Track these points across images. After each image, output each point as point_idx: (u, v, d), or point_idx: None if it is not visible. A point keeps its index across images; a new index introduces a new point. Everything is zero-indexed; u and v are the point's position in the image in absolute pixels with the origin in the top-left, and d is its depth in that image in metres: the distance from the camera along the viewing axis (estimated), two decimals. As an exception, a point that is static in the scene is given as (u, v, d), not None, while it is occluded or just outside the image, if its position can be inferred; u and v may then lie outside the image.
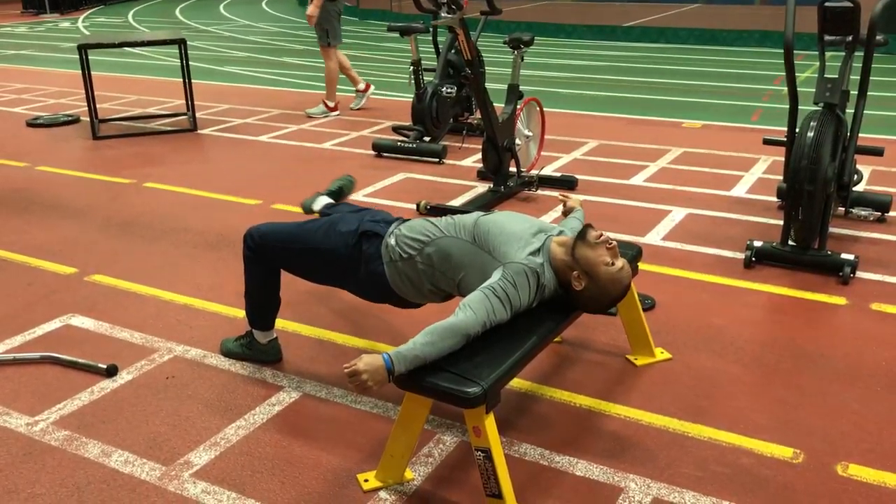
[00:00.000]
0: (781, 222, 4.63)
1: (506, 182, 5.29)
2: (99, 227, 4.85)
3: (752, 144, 6.70)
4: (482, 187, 5.55)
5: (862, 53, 4.04)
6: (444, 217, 2.84)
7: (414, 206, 5.11)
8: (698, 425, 2.83)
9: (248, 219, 4.94)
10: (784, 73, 4.05)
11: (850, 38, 3.99)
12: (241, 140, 7.07)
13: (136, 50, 12.93)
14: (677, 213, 5.01)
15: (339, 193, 3.67)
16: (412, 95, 6.50)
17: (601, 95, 9.08)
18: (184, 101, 7.69)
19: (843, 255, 4.00)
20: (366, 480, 2.53)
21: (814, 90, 4.02)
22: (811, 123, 3.88)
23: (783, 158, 5.72)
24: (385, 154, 6.45)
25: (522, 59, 5.34)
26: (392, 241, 2.79)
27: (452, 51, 6.66)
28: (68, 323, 3.61)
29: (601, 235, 2.59)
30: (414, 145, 6.30)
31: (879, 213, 4.73)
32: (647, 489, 2.50)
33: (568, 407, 2.95)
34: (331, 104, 7.95)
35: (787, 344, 3.40)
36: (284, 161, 6.37)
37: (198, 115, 7.62)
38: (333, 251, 2.86)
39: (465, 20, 4.71)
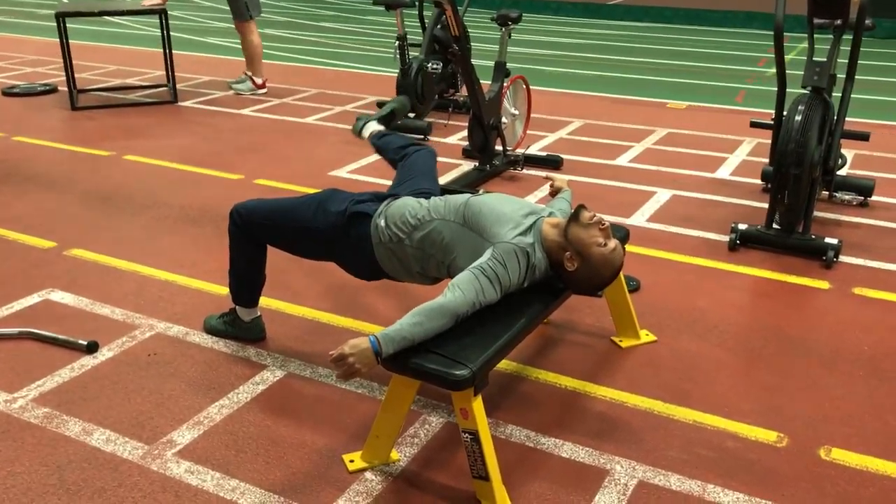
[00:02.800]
0: (766, 205, 4.64)
1: (491, 161, 5.25)
2: (78, 200, 4.77)
3: (736, 126, 6.70)
4: (467, 165, 5.51)
5: (850, 37, 4.03)
6: (432, 198, 2.81)
7: (398, 184, 5.05)
8: (683, 408, 2.84)
9: (231, 194, 4.89)
10: (769, 55, 4.03)
11: (840, 21, 3.98)
12: (222, 113, 6.97)
13: (115, 19, 12.69)
14: (662, 195, 5.01)
15: (391, 117, 3.63)
16: (396, 71, 6.43)
17: (586, 74, 9.05)
18: (164, 73, 7.56)
19: (827, 240, 4.02)
20: (351, 461, 2.51)
21: (799, 73, 4.02)
22: (799, 107, 3.88)
23: (769, 141, 5.74)
24: (369, 130, 6.38)
25: (510, 37, 5.28)
26: (381, 222, 2.75)
27: (438, 26, 6.58)
28: (47, 298, 3.55)
29: (594, 216, 2.57)
30: (398, 122, 6.22)
31: (862, 198, 4.76)
32: (633, 472, 2.50)
33: (553, 388, 2.95)
34: (259, 80, 7.65)
35: (771, 328, 3.42)
36: (266, 135, 6.29)
37: (178, 86, 7.49)
38: (321, 230, 2.82)
39: (453, -5, 4.65)
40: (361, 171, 5.44)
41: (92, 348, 3.10)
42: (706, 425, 2.74)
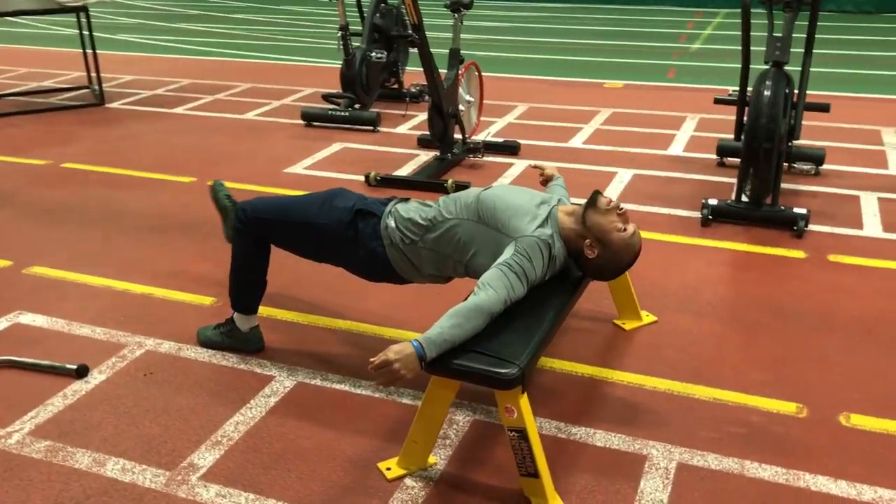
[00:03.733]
0: (725, 179, 4.76)
1: (451, 149, 5.20)
2: (24, 215, 4.47)
3: (675, 102, 6.84)
4: (425, 155, 5.44)
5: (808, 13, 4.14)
6: (441, 197, 2.74)
7: (362, 178, 4.95)
8: (700, 386, 2.86)
9: (187, 198, 4.69)
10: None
11: (797, -4, 4.08)
12: (155, 113, 6.68)
13: (18, 18, 11.99)
14: (624, 174, 5.05)
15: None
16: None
17: (519, 58, 9.06)
18: (83, 73, 7.18)
19: (796, 210, 4.13)
20: (388, 469, 2.43)
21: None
22: (766, 82, 3.96)
23: (713, 116, 5.88)
24: (315, 123, 6.23)
25: (462, 23, 5.22)
26: (391, 223, 2.67)
27: (378, 14, 6.46)
28: (17, 322, 3.31)
29: (611, 201, 2.56)
30: (346, 113, 6.10)
31: (816, 167, 4.92)
32: (670, 455, 2.51)
33: (571, 377, 2.93)
34: None
35: (761, 299, 3.49)
36: (208, 134, 6.05)
37: (103, 87, 7.13)
38: (329, 227, 2.73)
39: (411, -17, 4.56)
40: (318, 166, 5.30)
41: (82, 372, 2.91)
42: (727, 402, 2.77)
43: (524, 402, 2.24)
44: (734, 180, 4.86)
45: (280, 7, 13.51)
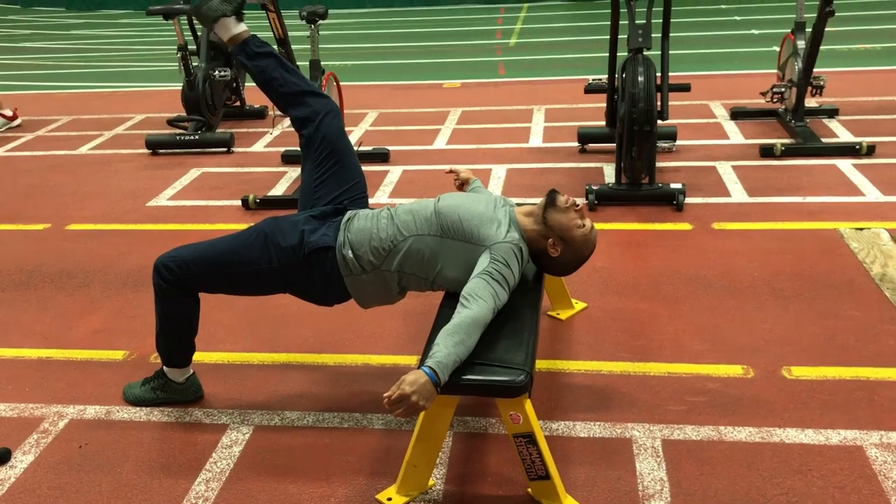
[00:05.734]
0: (592, 164, 4.97)
1: (324, 163, 5.05)
2: None
3: (516, 96, 7.05)
4: (293, 171, 5.26)
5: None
6: (395, 213, 2.62)
7: (237, 202, 4.70)
8: (650, 363, 2.97)
9: (47, 247, 4.25)
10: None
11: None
12: (-30, 158, 5.98)
13: None
14: (498, 170, 5.15)
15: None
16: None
17: (351, 65, 8.97)
18: None
19: (673, 185, 4.39)
20: (389, 499, 2.33)
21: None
22: (639, 69, 4.17)
23: (556, 107, 6.12)
24: (161, 151, 5.85)
25: (318, 33, 5.09)
26: (349, 254, 2.53)
27: (212, 32, 6.15)
28: None
29: (568, 199, 2.59)
30: (197, 137, 5.77)
31: (673, 143, 5.25)
32: (651, 434, 2.58)
33: (530, 374, 2.94)
34: (8, 113, 6.72)
35: (669, 272, 3.67)
36: (46, 174, 5.51)
37: None
38: (277, 268, 2.55)
39: (275, -3, 4.38)
40: (182, 195, 4.97)
41: (4, 457, 2.55)
42: (680, 374, 2.90)
43: (529, 406, 2.22)
44: (600, 165, 5.11)
45: (70, 32, 12.55)
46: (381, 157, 5.37)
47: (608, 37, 4.72)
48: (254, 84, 2.89)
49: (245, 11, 2.82)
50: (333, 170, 2.80)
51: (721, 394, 2.77)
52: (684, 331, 3.18)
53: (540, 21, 11.34)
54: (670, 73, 4.46)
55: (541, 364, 2.99)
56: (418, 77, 8.17)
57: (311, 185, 2.80)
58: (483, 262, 2.41)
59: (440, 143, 5.82)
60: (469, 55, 9.27)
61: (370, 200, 2.91)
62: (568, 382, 2.89)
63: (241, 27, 2.77)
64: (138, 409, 2.81)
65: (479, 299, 2.29)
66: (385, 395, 2.07)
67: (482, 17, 12.08)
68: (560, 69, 8.07)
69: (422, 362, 2.15)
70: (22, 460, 2.57)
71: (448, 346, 2.15)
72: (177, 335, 2.71)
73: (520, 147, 5.62)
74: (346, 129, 6.10)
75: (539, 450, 2.23)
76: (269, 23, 4.46)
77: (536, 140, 5.77)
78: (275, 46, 4.58)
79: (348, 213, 2.68)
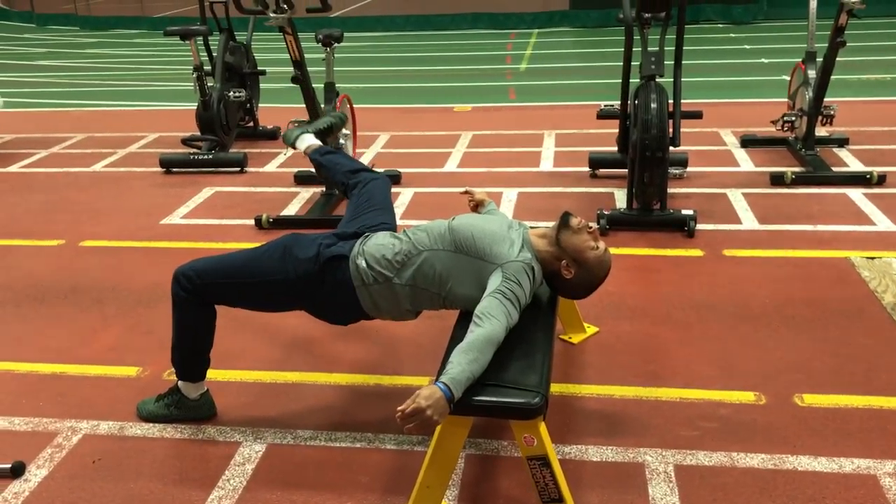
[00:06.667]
0: (603, 189, 4.99)
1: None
2: None
3: (526, 121, 7.09)
4: (305, 192, 5.30)
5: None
6: (407, 230, 2.68)
7: (250, 222, 4.74)
8: (662, 388, 2.98)
9: (62, 263, 4.28)
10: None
11: (664, 14, 4.38)
12: (-15, 173, 6.04)
13: None
14: (509, 193, 5.18)
15: (327, 132, 3.40)
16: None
17: (362, 87, 9.05)
18: None
19: (684, 211, 4.41)
20: (402, 519, 2.34)
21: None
22: (651, 95, 4.21)
23: (567, 131, 6.16)
24: (175, 170, 5.90)
25: (334, 56, 5.15)
26: (362, 263, 2.57)
27: (227, 52, 6.23)
28: (-90, 425, 2.87)
29: (581, 221, 2.61)
30: (210, 156, 5.82)
31: (684, 170, 5.27)
32: (664, 459, 2.59)
33: (542, 397, 2.95)
34: None
35: (680, 298, 3.68)
36: (60, 191, 5.55)
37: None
38: (294, 280, 2.58)
39: (293, 20, 4.44)
40: (196, 213, 5.01)
41: (18, 471, 2.56)
42: (692, 399, 2.90)
43: (543, 429, 2.23)
44: (611, 190, 5.14)
45: (83, 51, 12.68)
46: (393, 179, 5.40)
47: (616, 63, 4.76)
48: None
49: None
50: (368, 213, 2.87)
51: (733, 420, 2.78)
52: (696, 356, 3.19)
53: (549, 47, 11.43)
54: (682, 101, 4.49)
55: (553, 388, 2.99)
56: (429, 101, 8.24)
57: (345, 221, 2.87)
58: (495, 280, 2.43)
59: (451, 165, 5.86)
60: (480, 79, 9.34)
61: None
62: (580, 406, 2.89)
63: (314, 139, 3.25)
64: (152, 424, 2.82)
65: (492, 318, 2.31)
66: (399, 408, 2.09)
67: (493, 41, 12.17)
68: (569, 94, 8.13)
69: (436, 379, 2.17)
70: (36, 474, 2.58)
71: (462, 364, 2.16)
72: (192, 347, 2.73)
73: (531, 171, 5.66)
74: (359, 150, 6.19)
75: (553, 472, 2.24)
76: (286, 45, 4.52)
77: (547, 164, 5.80)
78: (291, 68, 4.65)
79: (367, 233, 2.72)
